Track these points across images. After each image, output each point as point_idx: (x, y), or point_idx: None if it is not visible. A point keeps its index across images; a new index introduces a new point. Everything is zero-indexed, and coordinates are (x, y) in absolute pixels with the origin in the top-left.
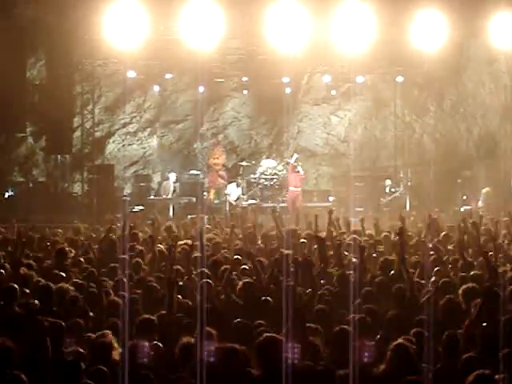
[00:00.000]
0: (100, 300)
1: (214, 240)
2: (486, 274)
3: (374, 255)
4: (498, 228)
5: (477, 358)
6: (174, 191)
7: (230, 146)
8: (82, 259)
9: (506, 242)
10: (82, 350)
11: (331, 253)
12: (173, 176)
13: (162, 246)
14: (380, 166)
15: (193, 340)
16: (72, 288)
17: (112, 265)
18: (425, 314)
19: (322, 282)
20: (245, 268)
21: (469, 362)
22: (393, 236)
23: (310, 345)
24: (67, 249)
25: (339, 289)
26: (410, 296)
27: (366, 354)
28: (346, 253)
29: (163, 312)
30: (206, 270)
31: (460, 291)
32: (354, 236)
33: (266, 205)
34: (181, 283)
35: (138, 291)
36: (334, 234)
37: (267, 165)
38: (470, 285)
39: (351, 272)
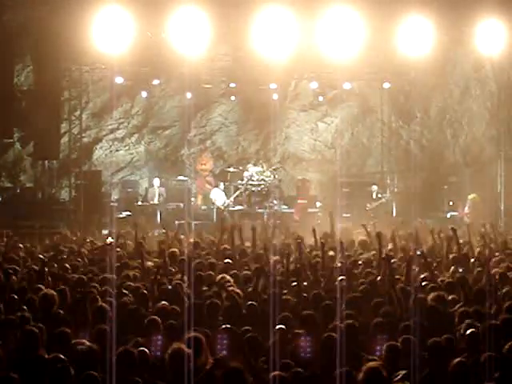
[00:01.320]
0: (86, 306)
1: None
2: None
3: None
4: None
5: (465, 364)
6: (160, 196)
7: (218, 152)
8: (68, 266)
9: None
10: (63, 356)
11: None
12: (157, 181)
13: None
14: (367, 172)
15: (182, 346)
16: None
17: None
18: (411, 321)
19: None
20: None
21: (457, 367)
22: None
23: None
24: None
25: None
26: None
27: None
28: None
29: (154, 317)
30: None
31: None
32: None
33: (253, 210)
34: (170, 287)
35: (129, 296)
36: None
37: (254, 171)
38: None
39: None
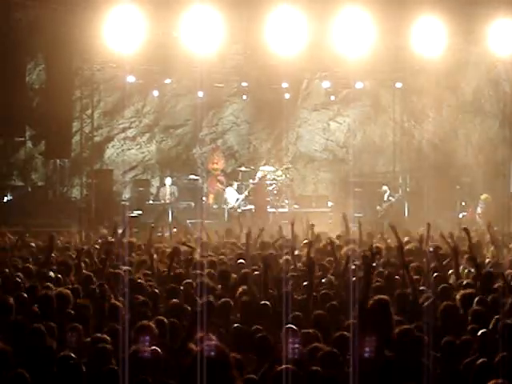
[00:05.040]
0: (100, 305)
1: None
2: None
3: (374, 264)
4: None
5: (476, 363)
6: (172, 195)
7: (229, 151)
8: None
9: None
10: (73, 355)
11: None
12: (168, 180)
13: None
14: (379, 171)
15: (192, 345)
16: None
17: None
18: (424, 320)
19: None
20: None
21: (469, 367)
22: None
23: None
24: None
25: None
26: (412, 301)
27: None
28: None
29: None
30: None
31: (458, 297)
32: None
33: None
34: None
35: (140, 296)
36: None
37: (266, 170)
38: (468, 291)
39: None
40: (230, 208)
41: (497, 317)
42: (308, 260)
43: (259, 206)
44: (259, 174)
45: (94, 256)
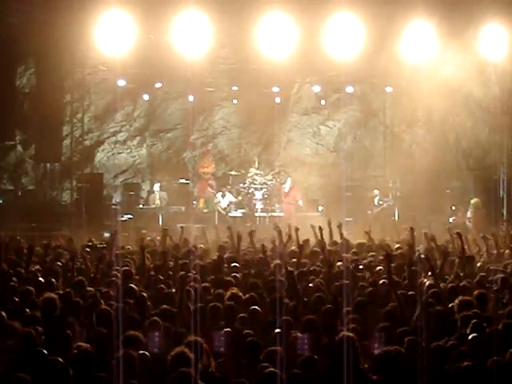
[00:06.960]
0: (89, 309)
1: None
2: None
3: (361, 267)
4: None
5: (468, 368)
6: (162, 200)
7: (220, 155)
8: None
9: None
10: (61, 360)
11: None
12: (156, 186)
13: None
14: (369, 176)
15: (184, 350)
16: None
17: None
18: (415, 325)
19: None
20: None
21: (459, 371)
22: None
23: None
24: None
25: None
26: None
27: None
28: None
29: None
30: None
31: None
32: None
33: (255, 214)
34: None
35: (130, 300)
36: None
37: (256, 174)
38: (466, 298)
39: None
40: (223, 210)
41: (475, 321)
42: (298, 264)
43: (289, 211)
44: (249, 178)
45: (86, 260)
